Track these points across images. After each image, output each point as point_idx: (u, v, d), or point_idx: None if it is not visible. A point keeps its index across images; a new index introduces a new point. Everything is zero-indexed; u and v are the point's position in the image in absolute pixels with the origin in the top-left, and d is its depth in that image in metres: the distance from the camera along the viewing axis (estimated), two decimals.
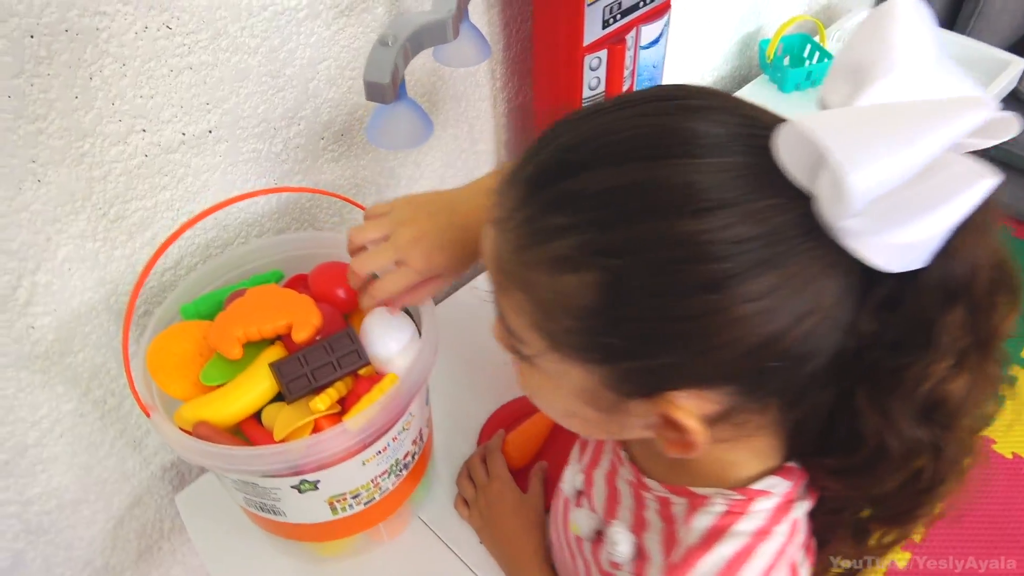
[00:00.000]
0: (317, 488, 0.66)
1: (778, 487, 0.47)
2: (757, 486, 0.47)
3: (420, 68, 0.90)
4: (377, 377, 0.66)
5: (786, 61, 1.46)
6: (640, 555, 0.52)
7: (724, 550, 0.45)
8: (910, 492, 0.43)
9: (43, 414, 0.75)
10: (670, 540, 0.49)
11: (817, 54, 1.42)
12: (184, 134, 0.72)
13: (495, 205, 0.43)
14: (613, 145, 0.38)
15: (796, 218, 0.36)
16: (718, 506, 0.46)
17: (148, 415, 0.63)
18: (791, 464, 0.48)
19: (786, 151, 0.36)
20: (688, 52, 1.32)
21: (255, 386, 0.64)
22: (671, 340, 0.37)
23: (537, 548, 0.75)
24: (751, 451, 0.47)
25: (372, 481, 0.70)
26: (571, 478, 0.63)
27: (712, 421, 0.41)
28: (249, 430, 0.64)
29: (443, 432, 0.88)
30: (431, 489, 0.85)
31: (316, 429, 0.63)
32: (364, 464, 0.67)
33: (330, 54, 0.79)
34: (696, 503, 0.48)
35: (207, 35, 0.68)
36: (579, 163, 0.39)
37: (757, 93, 1.45)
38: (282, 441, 0.62)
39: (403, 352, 0.68)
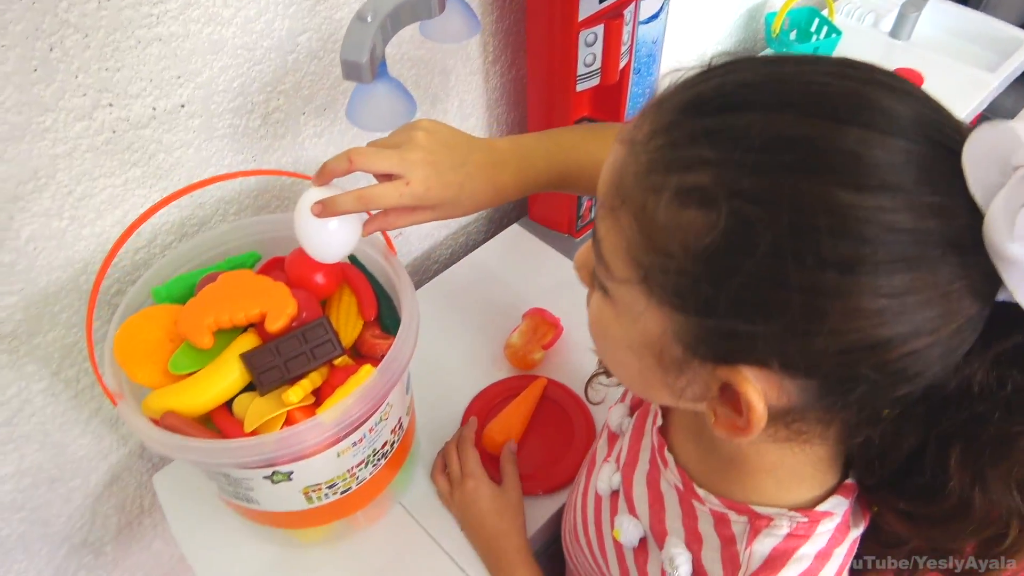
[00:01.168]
0: (290, 479, 0.65)
1: (840, 507, 0.46)
2: (822, 507, 0.45)
3: (408, 40, 0.86)
4: (353, 367, 0.64)
5: (792, 35, 1.41)
6: (698, 574, 0.50)
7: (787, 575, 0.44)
8: (984, 551, 0.41)
9: (12, 393, 0.73)
10: (732, 562, 0.47)
11: (825, 29, 1.38)
12: (155, 109, 0.68)
13: (632, 125, 0.39)
14: (795, 94, 0.34)
15: (958, 227, 0.33)
16: (783, 528, 0.45)
17: (115, 403, 0.61)
18: (849, 480, 0.47)
19: (976, 153, 0.32)
20: (688, 25, 1.28)
21: (226, 376, 0.62)
22: (775, 309, 0.33)
23: (520, 546, 0.74)
24: (810, 463, 0.45)
25: (348, 472, 0.68)
26: (607, 476, 0.60)
27: (774, 415, 0.38)
28: (220, 420, 0.62)
29: (426, 415, 0.87)
30: (413, 475, 0.84)
31: (289, 421, 0.62)
32: (339, 456, 0.65)
33: (311, 25, 0.75)
34: (759, 524, 0.46)
35: (176, 5, 0.64)
36: (752, 102, 0.34)
37: None
38: (253, 433, 0.60)
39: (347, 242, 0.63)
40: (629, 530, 0.55)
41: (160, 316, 0.66)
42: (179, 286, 0.70)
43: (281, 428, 0.61)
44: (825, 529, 0.45)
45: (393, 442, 0.73)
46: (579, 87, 0.91)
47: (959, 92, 1.31)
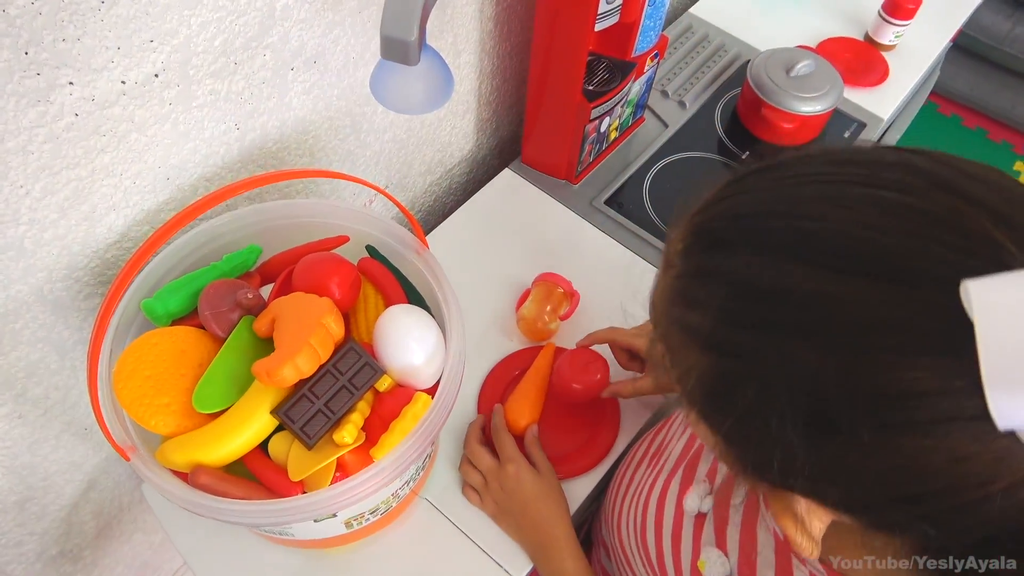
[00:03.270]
0: (335, 516, 0.58)
1: None
2: None
3: None
4: (402, 393, 0.57)
5: None
6: None
7: None
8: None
9: None
10: None
11: None
12: (124, 82, 0.54)
13: (673, 238, 0.40)
14: (808, 241, 0.32)
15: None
16: None
17: (127, 458, 0.52)
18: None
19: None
20: None
21: (258, 417, 0.53)
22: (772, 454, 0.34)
23: (569, 533, 0.70)
24: None
25: (392, 495, 0.62)
26: (698, 497, 0.57)
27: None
28: (257, 467, 0.54)
29: None
30: (434, 468, 0.78)
31: (340, 463, 0.54)
32: (387, 486, 0.59)
33: None
34: None
35: None
36: (733, 242, 0.35)
37: None
38: (301, 483, 0.53)
39: (428, 360, 0.58)
40: (716, 566, 0.52)
41: (163, 343, 0.55)
42: (175, 299, 0.58)
43: (334, 473, 0.53)
44: None
45: (430, 453, 0.67)
46: (597, 27, 0.81)
47: (948, 6, 1.27)
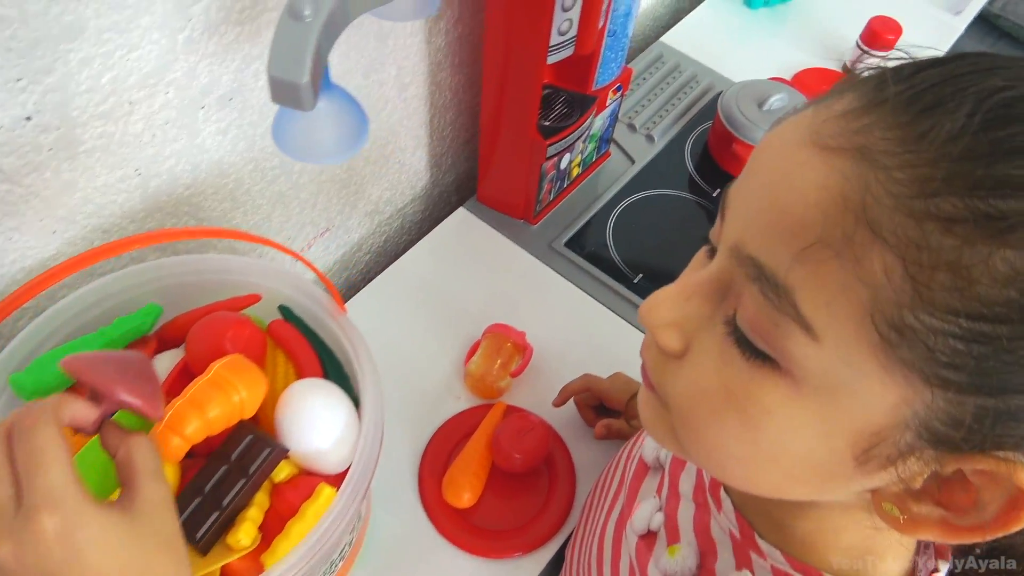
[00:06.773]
0: None
1: None
2: None
3: None
4: (304, 484, 0.49)
5: None
6: None
7: None
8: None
9: None
10: None
11: None
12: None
13: (858, 128, 0.27)
14: None
15: None
16: None
17: None
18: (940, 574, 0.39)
19: None
20: None
21: None
22: None
23: None
24: (903, 544, 0.38)
25: None
26: (647, 515, 0.50)
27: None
28: None
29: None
30: (368, 551, 0.70)
31: (227, 569, 0.46)
32: None
33: None
34: None
35: None
36: None
37: (720, 11, 1.25)
38: None
39: (338, 443, 0.50)
40: (688, 556, 0.45)
41: None
42: (51, 372, 0.51)
43: None
44: None
45: (351, 541, 0.59)
46: (550, 59, 0.75)
47: (929, 38, 1.22)
